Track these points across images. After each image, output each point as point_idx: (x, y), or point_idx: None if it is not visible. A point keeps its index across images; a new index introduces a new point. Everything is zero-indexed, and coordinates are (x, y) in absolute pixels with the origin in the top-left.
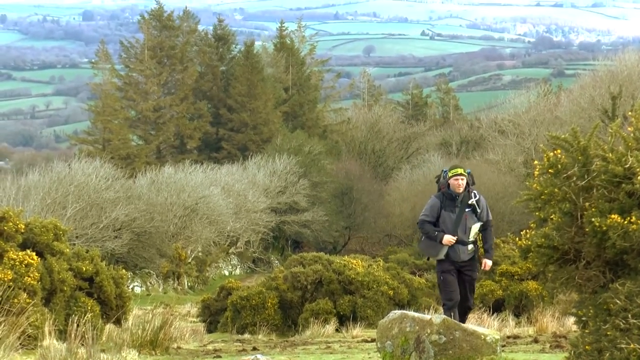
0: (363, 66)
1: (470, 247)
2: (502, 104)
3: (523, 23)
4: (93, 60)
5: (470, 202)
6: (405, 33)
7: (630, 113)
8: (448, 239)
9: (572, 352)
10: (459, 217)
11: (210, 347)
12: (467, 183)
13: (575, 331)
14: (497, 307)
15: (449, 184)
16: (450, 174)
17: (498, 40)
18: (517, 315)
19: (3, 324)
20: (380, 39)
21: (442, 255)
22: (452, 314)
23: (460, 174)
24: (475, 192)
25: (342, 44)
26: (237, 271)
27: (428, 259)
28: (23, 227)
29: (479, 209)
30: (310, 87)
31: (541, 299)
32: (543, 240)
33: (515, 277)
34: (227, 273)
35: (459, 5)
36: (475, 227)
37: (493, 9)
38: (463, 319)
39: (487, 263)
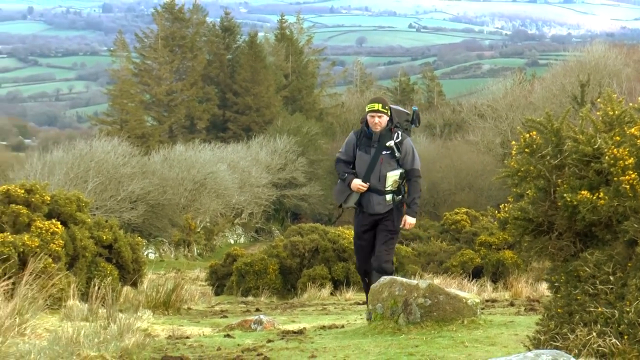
0: (355, 55)
1: (388, 197)
2: (481, 91)
3: (501, 17)
4: (111, 49)
5: (388, 143)
6: (394, 26)
7: (598, 100)
8: (357, 184)
9: (545, 314)
10: (373, 160)
11: (217, 308)
12: (391, 120)
13: (547, 296)
14: (476, 274)
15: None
16: (367, 109)
17: (478, 32)
18: (494, 281)
19: (32, 286)
20: (371, 30)
21: (351, 203)
22: (366, 279)
23: (377, 110)
24: (400, 132)
25: (336, 35)
26: (242, 240)
27: (340, 206)
28: (49, 198)
29: (399, 152)
30: (308, 74)
31: (516, 266)
32: (519, 213)
33: (493, 246)
34: (232, 241)
35: (443, 1)
36: (393, 175)
37: (474, 4)
38: (369, 279)
39: (407, 220)
